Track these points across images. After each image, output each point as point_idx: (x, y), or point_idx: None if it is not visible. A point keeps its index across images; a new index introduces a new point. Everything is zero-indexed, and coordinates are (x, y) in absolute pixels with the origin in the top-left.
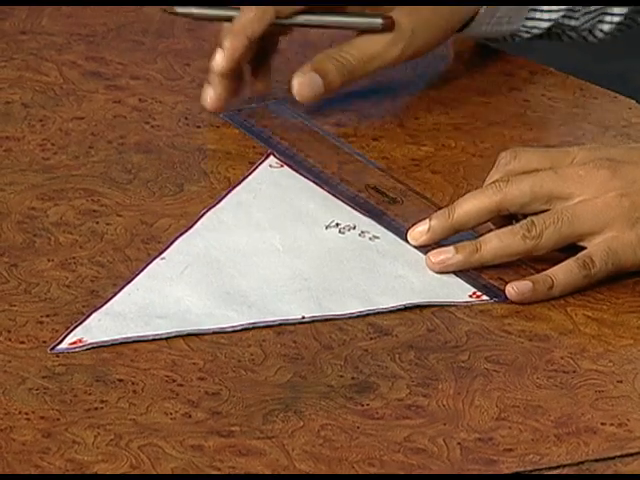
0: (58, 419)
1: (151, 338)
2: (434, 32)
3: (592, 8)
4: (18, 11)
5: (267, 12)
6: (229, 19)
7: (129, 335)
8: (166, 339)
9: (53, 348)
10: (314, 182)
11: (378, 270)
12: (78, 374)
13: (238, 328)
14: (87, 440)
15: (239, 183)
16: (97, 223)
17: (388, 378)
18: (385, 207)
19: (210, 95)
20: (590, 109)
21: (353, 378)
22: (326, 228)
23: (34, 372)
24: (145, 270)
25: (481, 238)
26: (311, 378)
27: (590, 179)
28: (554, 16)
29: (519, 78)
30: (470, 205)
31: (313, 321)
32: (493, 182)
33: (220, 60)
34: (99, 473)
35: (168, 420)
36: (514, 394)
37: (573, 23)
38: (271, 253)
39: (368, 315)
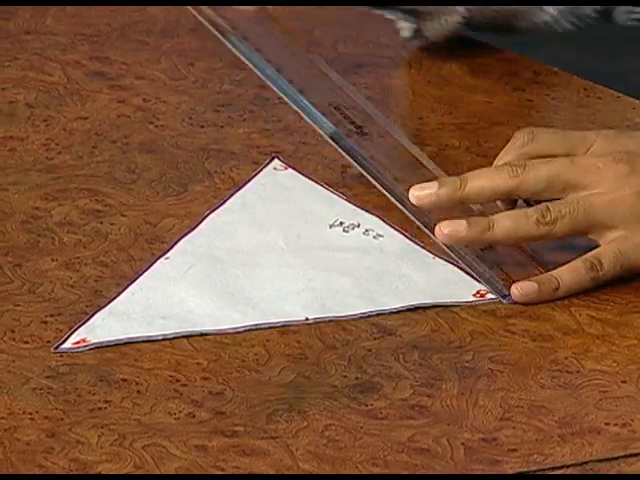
0: (62, 419)
1: (155, 338)
2: None
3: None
4: (22, 11)
5: None
6: None
7: (133, 335)
8: (170, 339)
9: (57, 348)
10: (318, 183)
11: (382, 269)
12: (82, 374)
13: (241, 329)
14: (91, 440)
15: (244, 185)
16: (101, 223)
17: (392, 378)
18: (356, 141)
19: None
20: (594, 109)
21: (357, 378)
22: (330, 227)
23: (38, 372)
24: (149, 270)
25: (494, 217)
26: (315, 378)
27: (608, 172)
28: None
29: (523, 78)
30: (483, 182)
31: (317, 322)
32: (509, 164)
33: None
34: (103, 473)
35: (172, 420)
36: (518, 394)
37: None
38: (275, 253)
39: (372, 315)
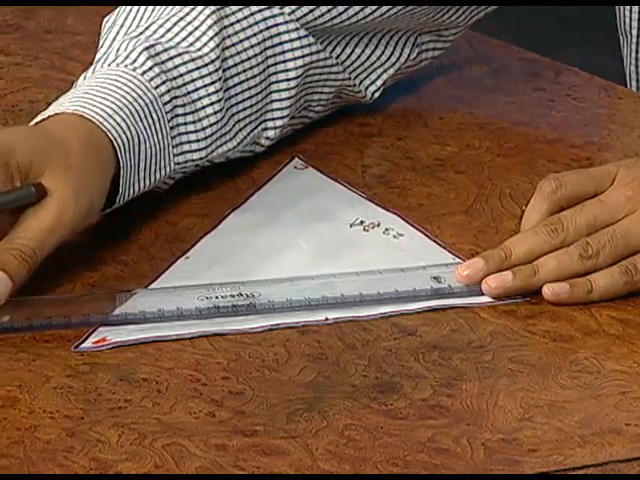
0: (82, 418)
1: (175, 338)
2: (95, 186)
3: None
4: (43, 11)
5: None
6: None
7: (153, 334)
8: (190, 339)
9: (77, 347)
10: (338, 182)
11: (402, 269)
12: (102, 373)
13: (261, 329)
14: (111, 439)
15: (264, 184)
16: (121, 222)
17: (412, 378)
18: None
19: None
20: (615, 109)
21: (377, 378)
22: (350, 226)
23: (58, 371)
24: (169, 269)
25: (537, 261)
26: (335, 378)
27: (637, 196)
28: (203, 154)
29: (544, 78)
30: (528, 247)
31: (337, 322)
32: (546, 226)
33: None
34: (123, 472)
35: (192, 419)
36: (538, 394)
37: (226, 147)
38: (295, 252)
39: (392, 315)
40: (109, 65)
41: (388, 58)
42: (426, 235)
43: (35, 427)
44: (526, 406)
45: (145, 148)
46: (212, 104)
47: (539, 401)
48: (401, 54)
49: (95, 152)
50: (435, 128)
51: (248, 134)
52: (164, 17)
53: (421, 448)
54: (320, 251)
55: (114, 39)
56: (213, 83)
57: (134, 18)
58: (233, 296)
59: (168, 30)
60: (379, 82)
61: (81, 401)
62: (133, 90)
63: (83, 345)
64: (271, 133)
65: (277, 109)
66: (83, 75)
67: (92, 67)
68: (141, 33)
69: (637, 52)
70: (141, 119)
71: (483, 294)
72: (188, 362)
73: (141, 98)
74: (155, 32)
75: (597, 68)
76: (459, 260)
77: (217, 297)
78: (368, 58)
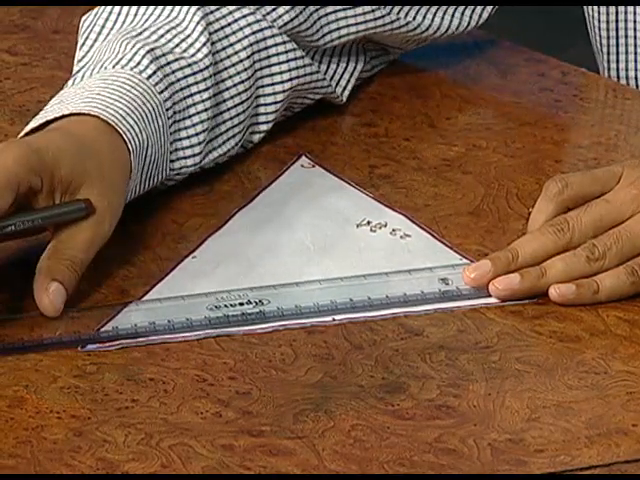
0: (89, 418)
1: (181, 338)
2: (121, 194)
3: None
4: (51, 11)
5: None
6: None
7: (160, 336)
8: (197, 339)
9: (84, 347)
10: (345, 181)
11: (409, 269)
12: (109, 373)
13: (268, 329)
14: (118, 439)
15: (271, 183)
16: (128, 222)
17: (419, 378)
18: None
19: None
20: (622, 110)
21: (384, 378)
22: (357, 226)
23: (65, 371)
24: (176, 269)
25: (544, 264)
26: (341, 378)
27: None
28: (197, 160)
29: (551, 79)
30: (535, 247)
31: (343, 322)
32: (553, 226)
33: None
34: (130, 472)
35: (199, 419)
36: (545, 395)
37: (217, 153)
38: (302, 252)
39: (398, 316)
40: (114, 67)
41: (355, 66)
42: (433, 236)
43: (42, 427)
44: (533, 406)
45: (151, 153)
46: (206, 110)
47: (546, 401)
48: (363, 60)
49: (119, 157)
50: (442, 128)
51: (238, 140)
52: (155, 22)
53: (428, 448)
54: (327, 251)
55: (104, 39)
56: (207, 89)
57: (122, 22)
58: (242, 304)
59: (161, 36)
60: (349, 87)
61: (88, 401)
62: (141, 94)
63: (90, 345)
64: (255, 137)
65: (263, 114)
66: (80, 76)
67: (79, 66)
68: (139, 34)
69: (609, 69)
70: (149, 123)
71: (491, 296)
72: (195, 362)
73: (149, 102)
74: (149, 37)
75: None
76: (466, 261)
77: (226, 306)
78: (339, 66)
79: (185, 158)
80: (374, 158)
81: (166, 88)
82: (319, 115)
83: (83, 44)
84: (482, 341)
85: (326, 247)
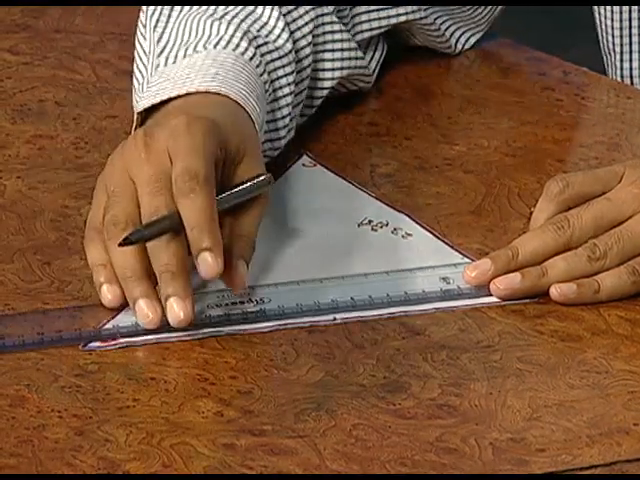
0: (90, 417)
1: (183, 338)
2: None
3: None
4: (52, 10)
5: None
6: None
7: (162, 335)
8: (198, 338)
9: (85, 346)
10: (347, 180)
11: (410, 268)
12: (110, 372)
13: (270, 328)
14: (119, 438)
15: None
16: None
17: (420, 378)
18: None
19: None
20: (624, 109)
21: (385, 377)
22: (358, 225)
23: (67, 370)
24: None
25: (546, 263)
26: (343, 377)
27: None
28: (276, 144)
29: (552, 78)
30: (535, 245)
31: (345, 321)
32: (553, 223)
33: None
34: (131, 472)
35: (200, 419)
36: (546, 394)
37: (284, 141)
38: (303, 251)
39: (400, 315)
40: (214, 47)
41: (381, 53)
42: (434, 235)
43: (43, 426)
44: (534, 406)
45: (262, 134)
46: (291, 94)
47: (547, 401)
48: (383, 47)
49: (255, 133)
50: (443, 128)
51: (294, 126)
52: (233, 9)
53: (429, 448)
54: (328, 250)
55: (175, 21)
56: (292, 73)
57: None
58: (243, 303)
59: (242, 20)
60: (375, 75)
61: (89, 400)
62: (249, 76)
63: (91, 344)
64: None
65: (307, 106)
66: (173, 55)
67: (153, 47)
68: (221, 17)
69: (621, 69)
70: (263, 104)
71: (492, 295)
72: (196, 361)
73: (257, 84)
74: (233, 19)
75: (605, 69)
76: (467, 260)
77: (227, 304)
78: (368, 54)
79: (272, 141)
80: (375, 157)
81: (265, 71)
82: (320, 114)
83: (156, 25)
84: (483, 340)
85: (327, 246)
